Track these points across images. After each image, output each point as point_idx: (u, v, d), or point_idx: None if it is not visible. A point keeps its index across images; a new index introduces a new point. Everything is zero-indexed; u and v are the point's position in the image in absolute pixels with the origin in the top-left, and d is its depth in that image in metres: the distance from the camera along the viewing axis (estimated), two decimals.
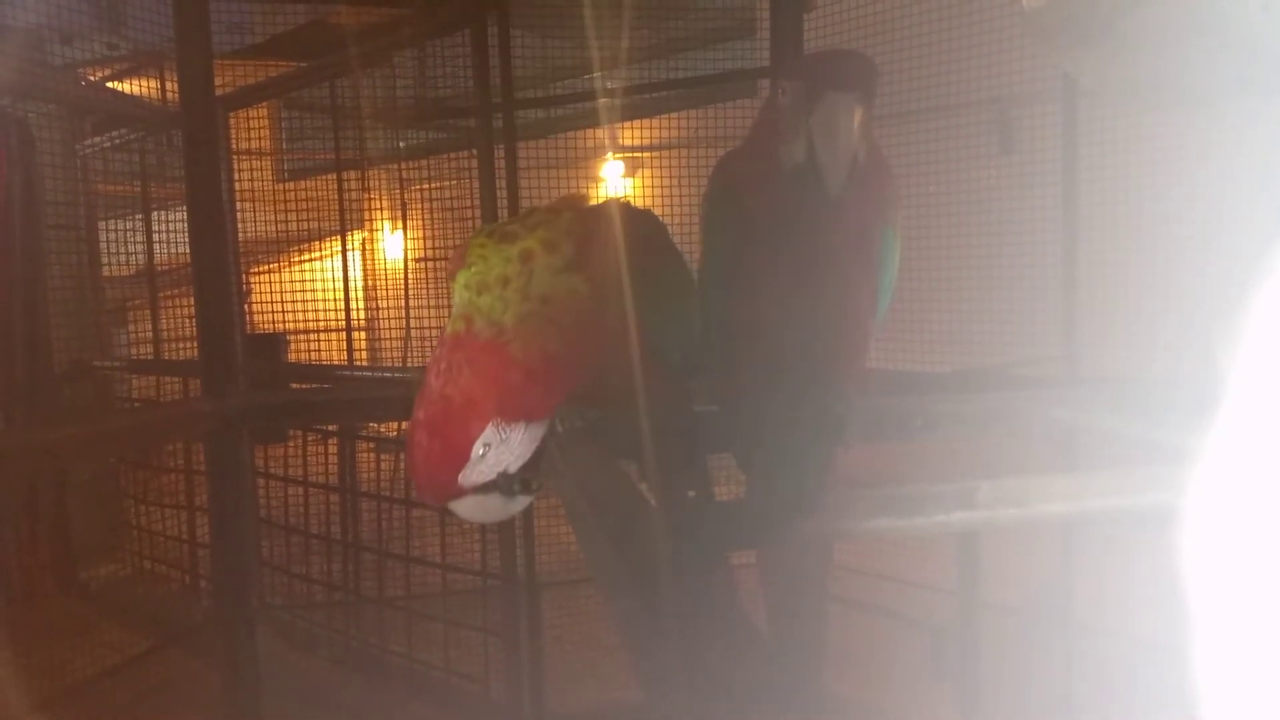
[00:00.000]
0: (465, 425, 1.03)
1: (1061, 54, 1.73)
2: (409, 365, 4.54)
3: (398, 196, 4.31)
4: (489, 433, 1.04)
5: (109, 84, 4.77)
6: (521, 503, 1.11)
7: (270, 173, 4.75)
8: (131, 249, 4.61)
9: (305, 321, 4.48)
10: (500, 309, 1.09)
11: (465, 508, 1.09)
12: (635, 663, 0.68)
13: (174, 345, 4.65)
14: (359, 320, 4.57)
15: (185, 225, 2.45)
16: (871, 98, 1.22)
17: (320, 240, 4.64)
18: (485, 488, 1.07)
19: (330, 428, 4.20)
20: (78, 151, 4.49)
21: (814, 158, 1.19)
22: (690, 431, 1.41)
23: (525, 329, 1.08)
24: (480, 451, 1.04)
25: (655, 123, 4.19)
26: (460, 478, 1.04)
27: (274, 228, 4.46)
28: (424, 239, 4.52)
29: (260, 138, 4.50)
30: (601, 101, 3.96)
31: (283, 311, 4.46)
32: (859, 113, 1.19)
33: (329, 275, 4.54)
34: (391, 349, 4.88)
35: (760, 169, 1.29)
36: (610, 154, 4.81)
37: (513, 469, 1.08)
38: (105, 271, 4.63)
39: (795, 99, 1.22)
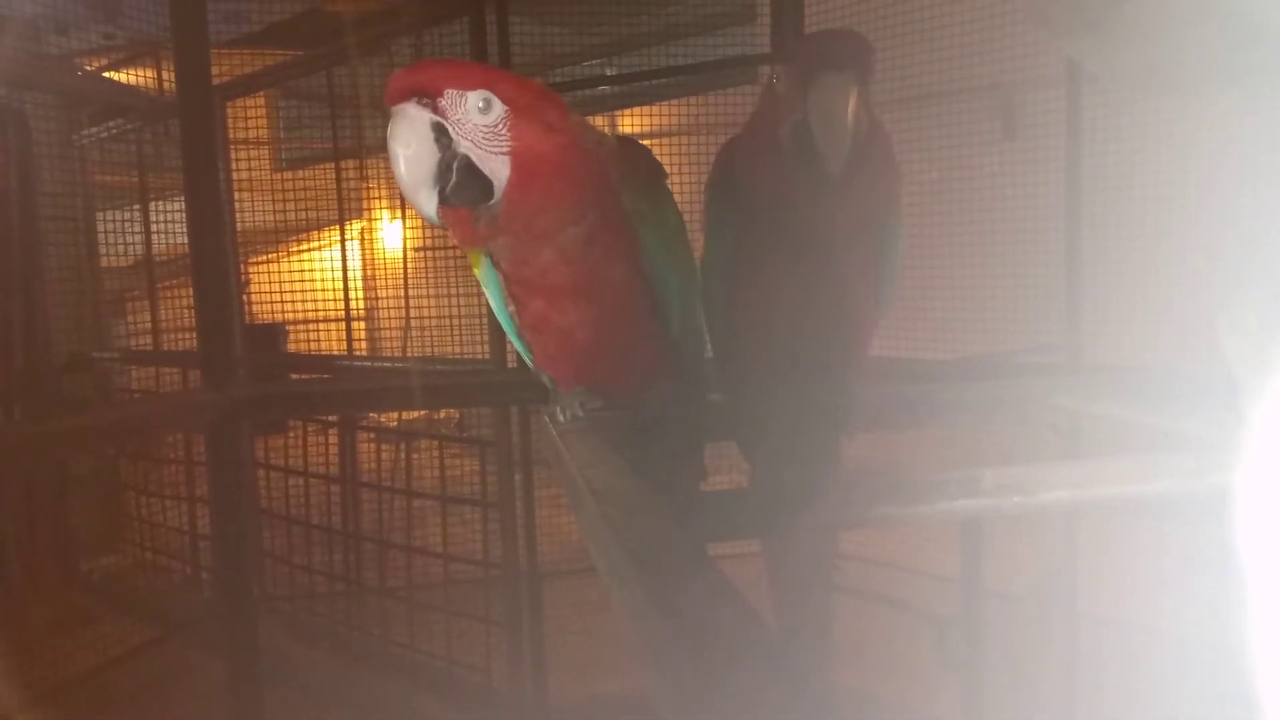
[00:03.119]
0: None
1: (1064, 39, 1.71)
2: (409, 355, 4.53)
3: (396, 186, 4.29)
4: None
5: (105, 74, 4.74)
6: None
7: (268, 162, 4.72)
8: (129, 240, 4.60)
9: (304, 312, 4.47)
10: None
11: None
12: (640, 653, 0.67)
13: (173, 336, 4.64)
14: (358, 310, 4.56)
15: (183, 215, 2.43)
16: (867, 76, 1.21)
17: (319, 230, 4.62)
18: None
19: (330, 418, 4.19)
20: (74, 142, 4.47)
21: (813, 140, 1.18)
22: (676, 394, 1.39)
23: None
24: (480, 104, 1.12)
25: (655, 110, 4.17)
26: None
27: (272, 217, 4.44)
28: (423, 228, 4.51)
29: (258, 127, 4.48)
30: (601, 89, 3.93)
31: (281, 302, 4.44)
32: (855, 91, 1.17)
33: (328, 265, 4.53)
34: (391, 339, 4.87)
35: (761, 154, 1.28)
36: None
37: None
38: (103, 262, 4.62)
39: (791, 82, 1.21)
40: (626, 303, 1.28)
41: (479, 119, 1.11)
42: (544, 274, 1.23)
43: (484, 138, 1.12)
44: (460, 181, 1.12)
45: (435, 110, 1.10)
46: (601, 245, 1.22)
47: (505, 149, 1.13)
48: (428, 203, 1.13)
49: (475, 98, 1.11)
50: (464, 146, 1.12)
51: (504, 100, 1.12)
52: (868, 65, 1.21)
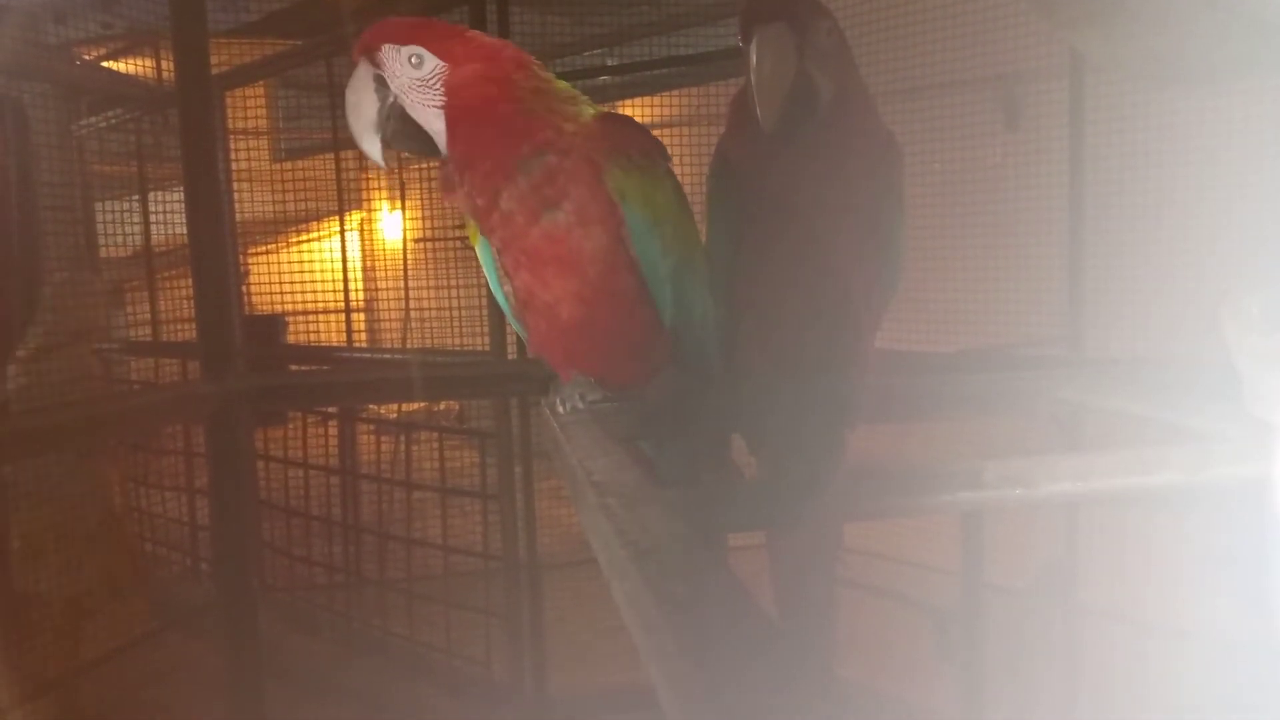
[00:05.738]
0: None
1: (1067, 29, 1.71)
2: (408, 346, 4.53)
3: (396, 176, 4.28)
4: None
5: (104, 63, 4.72)
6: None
7: (267, 152, 4.70)
8: (128, 230, 4.58)
9: (304, 303, 4.46)
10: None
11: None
12: (640, 645, 0.67)
13: (172, 327, 4.63)
14: (358, 301, 4.54)
15: (182, 206, 2.42)
16: (805, 28, 1.19)
17: (318, 221, 4.61)
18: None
19: (330, 409, 4.19)
20: (73, 132, 4.45)
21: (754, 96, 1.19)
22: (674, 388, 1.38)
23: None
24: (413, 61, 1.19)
25: (656, 100, 4.15)
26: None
27: (271, 208, 4.43)
28: (422, 219, 4.50)
29: (257, 117, 4.46)
30: (602, 79, 3.92)
31: (281, 293, 4.44)
32: (786, 43, 1.17)
33: (327, 256, 4.52)
34: (390, 330, 4.86)
35: (748, 136, 1.27)
36: None
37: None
38: (102, 253, 4.60)
39: (742, 48, 1.23)
40: (612, 282, 1.27)
41: (411, 73, 1.20)
42: (509, 237, 1.25)
43: (416, 90, 1.20)
44: (398, 129, 1.23)
45: (375, 64, 1.20)
46: (577, 217, 1.23)
47: (439, 102, 1.20)
48: (371, 147, 1.24)
49: (407, 52, 1.19)
50: (400, 98, 1.21)
51: (439, 56, 1.19)
52: (803, 16, 1.19)
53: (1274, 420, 1.00)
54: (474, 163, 1.21)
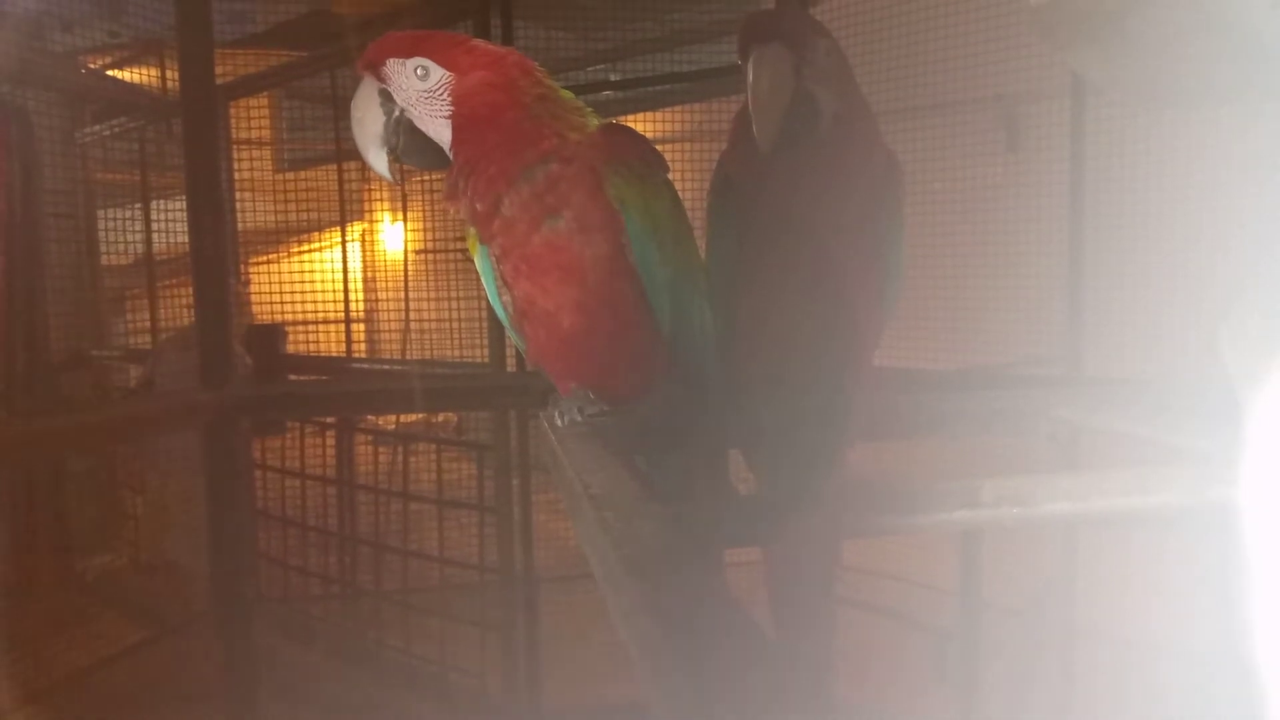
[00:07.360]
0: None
1: (1068, 51, 1.71)
2: (407, 357, 4.53)
3: (398, 188, 4.29)
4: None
5: (109, 72, 4.74)
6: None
7: (270, 163, 4.73)
8: (130, 238, 4.59)
9: (304, 313, 4.47)
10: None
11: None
12: (636, 661, 0.67)
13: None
14: (358, 312, 4.55)
15: (184, 214, 2.43)
16: (804, 46, 1.20)
17: (320, 231, 4.62)
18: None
19: (328, 420, 4.18)
20: (77, 139, 4.47)
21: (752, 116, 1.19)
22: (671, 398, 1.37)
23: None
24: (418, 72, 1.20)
25: (659, 116, 4.17)
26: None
27: (273, 218, 4.44)
28: (424, 231, 4.51)
29: (260, 127, 4.48)
30: (604, 94, 3.94)
31: (281, 303, 4.44)
32: (785, 62, 1.17)
33: (328, 266, 4.53)
34: (390, 341, 4.86)
35: (749, 153, 1.28)
36: None
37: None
38: (104, 260, 4.61)
39: (741, 67, 1.23)
40: (611, 291, 1.27)
41: (418, 85, 1.20)
42: (510, 245, 1.24)
43: (423, 102, 1.21)
44: (407, 142, 1.23)
45: (380, 78, 1.21)
46: (577, 224, 1.23)
47: (446, 112, 1.20)
48: (378, 161, 1.24)
49: (412, 64, 1.19)
50: (407, 111, 1.21)
51: (445, 66, 1.19)
52: (801, 36, 1.20)
53: (1272, 441, 1.00)
54: (478, 168, 1.21)
